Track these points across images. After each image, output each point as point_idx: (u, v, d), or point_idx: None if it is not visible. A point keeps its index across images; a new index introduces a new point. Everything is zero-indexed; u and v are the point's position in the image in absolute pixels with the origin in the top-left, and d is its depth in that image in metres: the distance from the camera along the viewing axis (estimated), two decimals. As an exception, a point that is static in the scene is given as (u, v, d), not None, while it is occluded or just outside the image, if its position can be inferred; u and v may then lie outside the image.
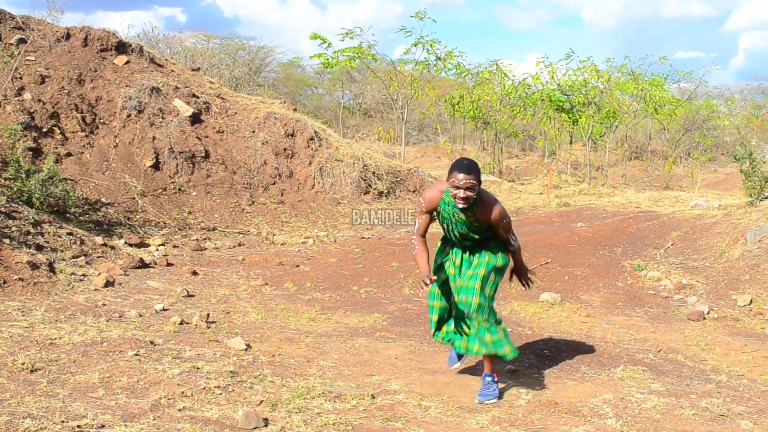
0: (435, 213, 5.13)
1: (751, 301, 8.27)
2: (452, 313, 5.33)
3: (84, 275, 8.35)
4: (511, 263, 5.41)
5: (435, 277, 4.97)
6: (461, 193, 4.76)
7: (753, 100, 32.91)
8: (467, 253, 5.25)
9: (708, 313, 8.04)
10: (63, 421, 4.10)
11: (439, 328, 5.43)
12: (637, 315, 8.11)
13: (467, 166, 4.79)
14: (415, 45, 20.46)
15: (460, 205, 4.81)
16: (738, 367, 6.23)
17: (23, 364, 5.06)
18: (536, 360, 6.15)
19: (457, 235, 5.12)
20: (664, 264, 9.78)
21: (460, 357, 5.49)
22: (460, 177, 4.74)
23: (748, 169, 11.28)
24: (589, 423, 4.63)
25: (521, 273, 5.49)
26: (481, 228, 5.06)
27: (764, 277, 8.74)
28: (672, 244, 10.41)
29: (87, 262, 8.84)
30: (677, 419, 4.72)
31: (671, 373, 5.86)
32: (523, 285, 5.56)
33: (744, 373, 6.04)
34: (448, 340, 5.41)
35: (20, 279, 7.50)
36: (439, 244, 5.47)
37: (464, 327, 5.18)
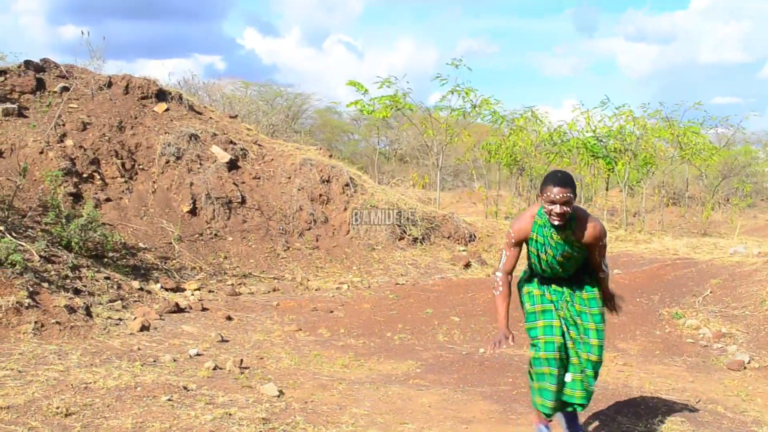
0: (526, 243, 4.65)
1: (793, 351, 8.08)
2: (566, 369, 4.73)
3: (120, 319, 8.43)
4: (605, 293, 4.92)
5: (512, 336, 4.54)
6: (557, 209, 4.34)
7: (792, 146, 32.55)
8: (568, 294, 4.73)
9: (749, 363, 7.88)
10: (95, 467, 4.12)
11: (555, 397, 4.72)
12: (676, 364, 7.97)
13: (562, 179, 4.38)
14: (451, 92, 20.62)
15: (556, 222, 4.39)
16: (780, 419, 6.07)
17: (58, 408, 5.09)
18: (572, 410, 6.05)
19: (554, 264, 4.61)
20: (703, 312, 9.61)
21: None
22: (556, 191, 4.33)
23: (788, 216, 11.11)
24: (626, 475, 4.53)
25: (609, 299, 4.96)
26: (581, 251, 4.59)
27: (807, 327, 8.55)
28: (711, 292, 10.24)
29: (123, 306, 8.93)
30: (717, 473, 4.61)
31: (711, 425, 5.73)
32: (612, 312, 5.02)
33: (786, 426, 5.89)
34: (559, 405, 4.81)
35: (57, 323, 7.58)
36: (526, 289, 4.88)
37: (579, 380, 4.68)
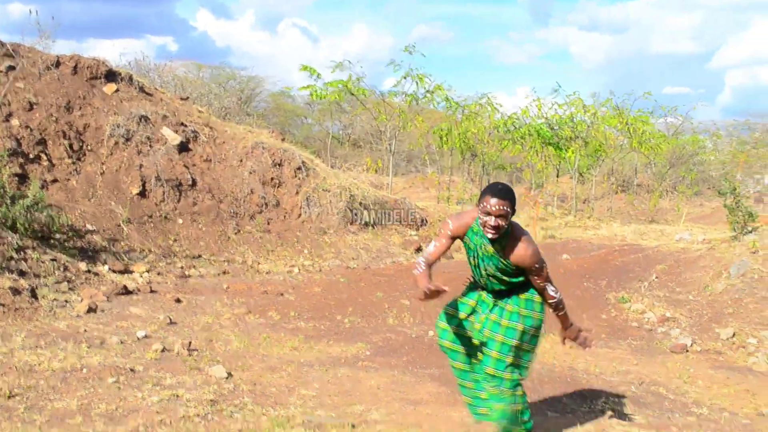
0: (461, 241, 4.49)
1: (734, 335, 8.29)
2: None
3: (66, 301, 8.31)
4: (559, 325, 4.68)
5: (433, 287, 4.14)
6: (492, 221, 4.16)
7: (739, 136, 33.19)
8: (499, 299, 4.53)
9: (691, 346, 8.06)
10: (39, 448, 4.07)
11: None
12: (621, 347, 8.12)
13: (502, 191, 4.20)
14: (405, 78, 20.62)
15: (489, 235, 4.21)
16: (720, 400, 6.24)
17: (0, 389, 5.01)
18: (518, 391, 6.12)
19: (485, 273, 4.44)
20: (649, 297, 9.80)
21: None
22: (493, 202, 4.14)
23: (732, 204, 11.36)
24: (570, 455, 4.61)
25: (572, 332, 4.70)
26: (511, 271, 4.38)
27: (747, 311, 8.77)
28: (656, 278, 10.44)
29: (70, 288, 8.80)
30: (657, 452, 4.72)
31: (653, 406, 5.86)
32: (581, 347, 4.81)
33: (726, 407, 6.05)
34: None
35: (1, 304, 7.45)
36: (467, 285, 4.76)
37: (483, 390, 4.58)
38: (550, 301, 4.49)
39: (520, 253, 4.29)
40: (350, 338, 7.99)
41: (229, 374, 6.04)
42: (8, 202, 9.91)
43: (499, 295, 4.51)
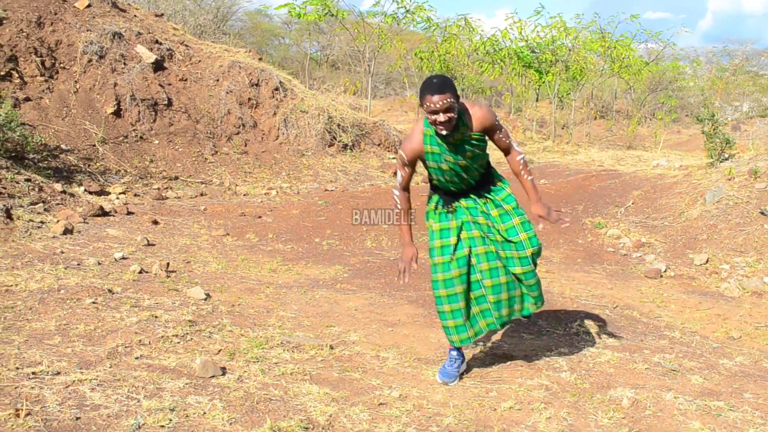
0: (422, 159, 4.35)
1: (707, 261, 8.40)
2: (485, 290, 4.49)
3: (42, 222, 8.23)
4: (533, 195, 4.55)
5: (416, 266, 4.49)
6: (441, 117, 4.03)
7: (718, 63, 33.11)
8: (482, 203, 4.47)
9: (665, 272, 8.16)
10: (18, 368, 4.06)
11: (468, 323, 4.54)
12: (596, 272, 8.21)
13: (438, 85, 4.04)
14: (385, -4, 20.26)
15: (444, 132, 4.09)
16: (691, 324, 6.34)
17: (-23, 310, 4.99)
18: (495, 314, 6.19)
19: (458, 171, 4.33)
20: (624, 222, 9.88)
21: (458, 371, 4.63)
22: (435, 99, 3.99)
23: (710, 131, 11.39)
24: (544, 376, 4.69)
25: (543, 208, 4.58)
26: (480, 144, 4.30)
27: (721, 237, 8.87)
28: (633, 203, 10.51)
29: (45, 209, 8.71)
30: (630, 373, 4.81)
31: (626, 329, 5.96)
32: (556, 223, 4.64)
33: (697, 330, 6.16)
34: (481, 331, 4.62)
35: (-24, 224, 7.37)
36: (431, 205, 4.61)
37: (513, 291, 4.51)
38: (518, 157, 4.46)
39: (478, 116, 4.25)
40: (328, 261, 8.02)
41: (208, 295, 6.05)
42: (-20, 120, 9.73)
43: (473, 193, 4.49)
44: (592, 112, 26.06)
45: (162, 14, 17.23)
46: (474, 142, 4.28)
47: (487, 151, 4.43)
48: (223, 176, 12.43)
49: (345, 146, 14.94)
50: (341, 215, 10.02)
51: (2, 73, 11.76)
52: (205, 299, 5.96)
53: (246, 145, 13.73)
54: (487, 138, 4.37)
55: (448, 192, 4.51)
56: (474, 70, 23.34)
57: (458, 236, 4.46)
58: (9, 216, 7.95)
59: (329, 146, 14.73)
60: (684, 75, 29.14)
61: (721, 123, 12.15)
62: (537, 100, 26.11)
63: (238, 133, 13.87)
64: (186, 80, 14.09)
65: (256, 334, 5.14)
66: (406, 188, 4.46)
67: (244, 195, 11.62)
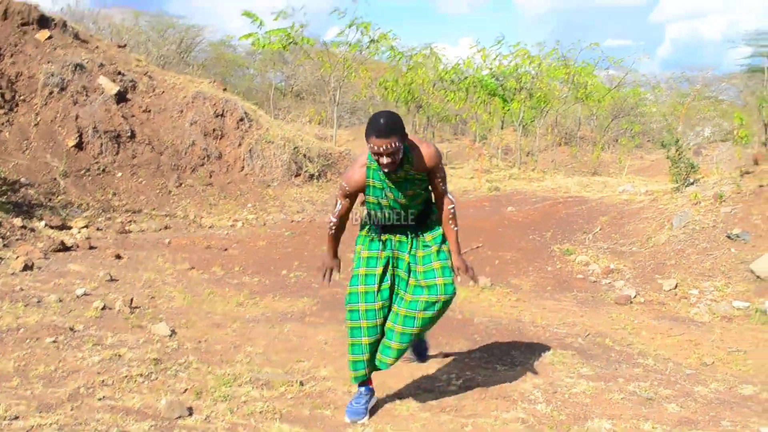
0: (362, 192, 4.24)
1: (676, 286, 8.40)
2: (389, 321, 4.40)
3: (1, 258, 8.02)
4: (455, 247, 4.41)
5: (339, 264, 4.58)
6: (384, 159, 3.93)
7: (678, 89, 33.56)
8: (411, 241, 4.37)
9: (635, 298, 8.15)
10: (-27, 413, 3.89)
11: (371, 359, 4.46)
12: (566, 299, 8.17)
13: (383, 128, 3.90)
14: (350, 26, 20.26)
15: (387, 170, 3.99)
16: (664, 351, 6.31)
17: (-68, 352, 4.80)
18: (466, 345, 6.11)
19: (396, 207, 4.24)
20: (593, 248, 9.88)
21: (366, 411, 4.44)
22: (379, 143, 3.89)
23: (675, 156, 11.47)
24: (520, 408, 4.60)
25: (463, 262, 4.43)
26: (422, 183, 4.22)
27: (689, 262, 8.89)
28: (600, 229, 10.53)
29: (5, 245, 8.51)
30: (606, 403, 4.73)
31: (599, 357, 5.90)
32: (475, 280, 4.58)
33: (670, 357, 6.12)
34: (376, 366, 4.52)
35: (-68, 262, 7.15)
36: (363, 231, 4.51)
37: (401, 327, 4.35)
38: (449, 206, 4.33)
39: (426, 158, 4.13)
40: (296, 293, 7.88)
41: (173, 332, 5.89)
42: (-63, 154, 9.51)
43: (407, 230, 4.37)
44: (556, 138, 26.27)
45: (125, 45, 17.10)
46: (417, 180, 4.20)
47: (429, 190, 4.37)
48: (188, 208, 12.26)
49: (311, 176, 14.85)
50: (309, 246, 9.91)
51: (-40, 107, 11.54)
52: (171, 336, 5.80)
53: (211, 177, 13.58)
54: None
55: (383, 227, 4.40)
56: (439, 98, 23.42)
57: (384, 268, 4.36)
58: (-34, 253, 7.73)
59: (295, 176, 14.63)
60: (645, 101, 29.46)
61: (685, 148, 12.26)
62: (502, 127, 26.24)
63: (202, 165, 13.72)
64: (149, 111, 13.93)
65: (224, 371, 4.99)
66: (343, 216, 4.40)
67: (210, 227, 11.47)
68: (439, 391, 4.89)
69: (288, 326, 6.43)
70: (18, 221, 9.41)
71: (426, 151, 4.14)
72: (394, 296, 4.41)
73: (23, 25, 13.58)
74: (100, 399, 4.28)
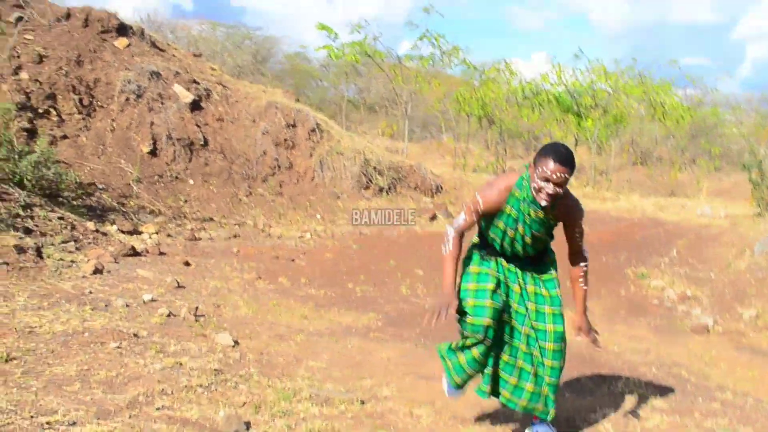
0: (491, 215, 4.02)
1: (757, 316, 8.02)
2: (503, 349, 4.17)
3: (73, 261, 8.11)
4: (581, 306, 4.21)
5: (456, 310, 3.96)
6: (550, 189, 3.70)
7: (760, 110, 32.56)
8: (521, 274, 4.16)
9: (713, 327, 7.80)
10: (32, 417, 3.86)
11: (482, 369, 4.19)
12: (640, 325, 7.88)
13: (565, 156, 3.70)
14: (421, 39, 20.22)
15: (544, 203, 3.76)
16: (743, 385, 5.99)
17: (-2, 353, 4.81)
18: (535, 368, 5.90)
19: (519, 243, 4.04)
20: (669, 273, 9.54)
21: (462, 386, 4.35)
22: (554, 168, 3.66)
23: (757, 179, 11.05)
24: (589, 439, 4.39)
25: (586, 323, 4.24)
26: (552, 228, 4.05)
27: (771, 291, 8.50)
28: (677, 253, 10.17)
29: (77, 248, 8.60)
30: (682, 439, 4.49)
31: (674, 389, 5.62)
32: (595, 343, 4.28)
33: (750, 391, 5.81)
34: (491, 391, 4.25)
35: (5, 263, 7.24)
36: (473, 250, 4.27)
37: (523, 372, 4.12)
38: (582, 264, 4.13)
39: (571, 209, 3.95)
40: (361, 307, 7.78)
41: (236, 342, 5.83)
42: (16, 157, 9.69)
43: (522, 263, 4.15)
44: (632, 157, 25.69)
45: (200, 54, 17.34)
46: (549, 226, 4.01)
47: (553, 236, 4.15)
48: (257, 218, 12.29)
49: (381, 189, 14.76)
50: (376, 260, 9.80)
51: (41, 111, 11.79)
52: (233, 346, 5.74)
53: (281, 187, 13.61)
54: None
55: (496, 253, 4.17)
56: (512, 114, 23.15)
57: (496, 285, 4.07)
58: (39, 254, 7.84)
59: (365, 189, 14.56)
60: (725, 122, 28.66)
61: (768, 171, 11.81)
62: (576, 145, 25.80)
63: (273, 174, 13.76)
64: (222, 120, 14.05)
65: (284, 385, 4.90)
66: (462, 233, 4.10)
67: (278, 237, 11.46)
68: (505, 418, 4.71)
69: (352, 341, 6.32)
70: (91, 225, 9.53)
71: (572, 203, 3.96)
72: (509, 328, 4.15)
73: (103, 32, 13.84)
74: (158, 408, 4.22)
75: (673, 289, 9.01)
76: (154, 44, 14.78)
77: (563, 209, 3.94)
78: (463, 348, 4.15)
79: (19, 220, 8.46)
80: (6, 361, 4.74)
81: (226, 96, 14.68)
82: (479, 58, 57.73)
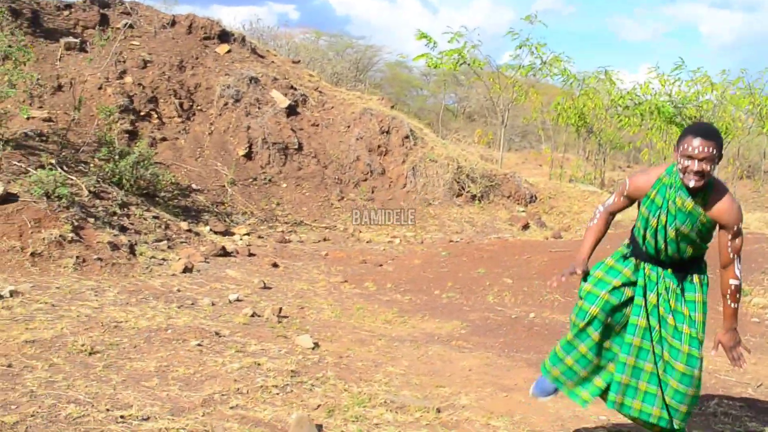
0: (638, 202, 3.78)
1: None
2: (627, 362, 3.79)
3: (164, 259, 8.29)
4: (727, 323, 3.79)
5: (581, 271, 3.81)
6: (695, 165, 3.42)
7: None
8: (663, 285, 3.78)
9: (818, 348, 7.36)
10: (108, 410, 3.91)
11: (584, 377, 3.92)
12: (739, 343, 7.49)
13: (705, 129, 3.48)
14: (521, 47, 19.94)
15: (692, 183, 3.45)
16: None
17: (83, 345, 4.92)
18: (622, 384, 5.66)
19: (662, 238, 3.70)
20: (772, 291, 9.07)
21: (556, 389, 4.05)
22: (696, 143, 3.42)
23: None
24: (675, 461, 4.15)
25: (731, 339, 3.79)
26: (703, 233, 3.66)
27: None
28: (782, 270, 9.66)
29: (169, 247, 8.80)
30: (777, 465, 4.21)
31: (772, 412, 5.30)
32: (733, 362, 3.79)
33: None
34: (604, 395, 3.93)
35: (99, 259, 7.46)
36: (622, 251, 3.97)
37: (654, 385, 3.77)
38: (732, 280, 3.68)
39: (725, 206, 3.55)
40: (446, 314, 7.66)
41: (316, 344, 5.81)
42: (116, 158, 10.00)
43: (667, 269, 3.79)
44: (738, 171, 24.70)
45: (299, 61, 17.57)
46: (699, 224, 3.62)
47: (707, 246, 3.80)
48: (348, 222, 12.32)
49: (473, 197, 14.60)
50: (464, 267, 9.66)
51: (142, 113, 12.16)
52: (313, 348, 5.72)
53: (373, 192, 13.63)
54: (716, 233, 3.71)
55: (640, 251, 3.87)
56: (612, 125, 22.58)
57: (624, 284, 3.81)
58: (132, 252, 8.04)
59: (457, 196, 14.43)
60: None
61: None
62: (678, 157, 24.97)
63: (365, 180, 13.79)
64: (317, 125, 14.18)
65: (360, 389, 4.83)
66: (612, 213, 3.93)
67: (367, 242, 11.46)
68: (586, 433, 4.52)
69: (433, 348, 6.22)
70: (185, 225, 9.73)
71: (728, 202, 3.57)
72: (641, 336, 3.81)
73: (205, 39, 14.19)
74: (232, 407, 4.22)
75: (777, 307, 8.56)
76: (254, 50, 15.05)
77: (716, 207, 3.57)
78: (570, 347, 3.90)
79: (115, 218, 8.71)
80: (90, 354, 4.85)
81: (322, 102, 14.81)
82: (583, 68, 56.71)
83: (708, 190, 3.55)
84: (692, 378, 3.67)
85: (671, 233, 3.65)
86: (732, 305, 3.74)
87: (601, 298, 3.78)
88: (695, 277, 3.78)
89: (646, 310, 3.77)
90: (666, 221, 3.64)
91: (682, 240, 3.67)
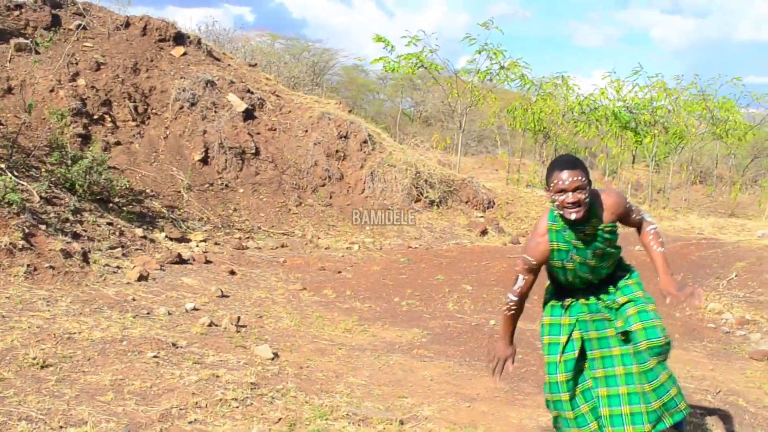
0: (547, 262, 3.79)
1: (821, 343, 7.65)
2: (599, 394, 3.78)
3: (118, 267, 8.10)
4: (662, 269, 3.90)
5: (511, 368, 3.98)
6: (570, 197, 3.51)
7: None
8: (601, 295, 3.87)
9: (773, 353, 7.44)
10: (61, 427, 3.79)
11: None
12: (695, 350, 7.55)
13: (568, 161, 3.59)
14: (479, 52, 19.96)
15: (573, 216, 3.54)
16: (806, 417, 5.67)
17: (35, 358, 4.77)
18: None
19: (584, 271, 3.77)
20: (727, 296, 9.17)
21: None
22: (564, 176, 3.51)
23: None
24: (639, 471, 4.14)
25: (675, 283, 3.92)
26: (614, 238, 3.73)
27: (837, 318, 8.10)
28: (736, 276, 9.78)
29: (123, 254, 8.60)
30: (738, 474, 4.22)
31: (731, 420, 5.33)
32: (690, 300, 3.84)
33: (813, 424, 5.49)
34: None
35: (51, 267, 7.26)
36: (546, 296, 4.06)
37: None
38: (649, 228, 3.89)
39: (610, 203, 3.70)
40: (406, 322, 7.60)
41: (276, 355, 5.72)
42: (69, 162, 9.77)
43: (599, 290, 3.86)
44: (691, 176, 25.09)
45: (256, 64, 17.41)
46: (606, 236, 3.71)
47: (620, 246, 3.86)
48: (306, 228, 12.21)
49: (432, 202, 14.58)
50: (424, 274, 9.62)
51: (96, 117, 11.91)
52: (273, 359, 5.62)
53: (331, 198, 13.53)
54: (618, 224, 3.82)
55: (566, 288, 3.93)
56: (568, 130, 22.77)
57: (570, 335, 3.83)
58: (86, 260, 7.85)
59: (416, 201, 14.40)
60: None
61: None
62: (633, 162, 25.31)
63: (323, 185, 13.69)
64: (275, 130, 14.04)
65: (322, 401, 4.75)
66: (525, 296, 3.88)
67: (326, 249, 11.37)
68: (550, 444, 4.49)
69: (394, 358, 6.16)
70: (139, 231, 9.54)
71: (610, 199, 3.72)
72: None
73: (160, 41, 13.97)
74: (190, 422, 4.11)
75: (731, 313, 8.65)
76: (210, 53, 14.86)
77: (606, 211, 3.70)
78: (566, 422, 3.86)
79: (68, 224, 8.49)
80: (42, 367, 4.71)
81: (280, 106, 14.67)
82: (538, 74, 57.19)
83: (593, 208, 3.65)
84: (658, 365, 3.70)
85: (592, 262, 3.73)
86: (658, 249, 3.90)
87: (560, 363, 3.81)
88: (623, 273, 3.93)
89: (596, 340, 3.82)
90: (579, 258, 3.71)
91: (602, 259, 3.75)
